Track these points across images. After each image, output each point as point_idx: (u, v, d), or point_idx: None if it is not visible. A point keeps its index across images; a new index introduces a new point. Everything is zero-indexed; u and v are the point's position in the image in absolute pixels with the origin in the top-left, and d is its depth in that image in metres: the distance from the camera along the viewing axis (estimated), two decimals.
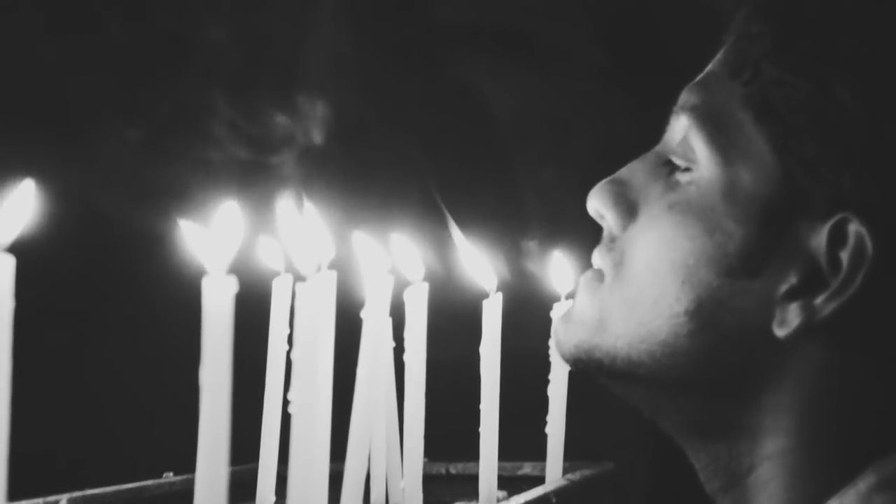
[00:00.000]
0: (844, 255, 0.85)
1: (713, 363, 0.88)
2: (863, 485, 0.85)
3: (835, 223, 0.85)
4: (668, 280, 0.88)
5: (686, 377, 0.89)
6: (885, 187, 0.84)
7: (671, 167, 0.92)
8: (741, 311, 0.87)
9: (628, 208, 0.93)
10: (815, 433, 0.87)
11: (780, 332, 0.86)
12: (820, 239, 0.85)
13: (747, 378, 0.88)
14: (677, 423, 0.92)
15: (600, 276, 0.94)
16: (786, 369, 0.87)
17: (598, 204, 0.95)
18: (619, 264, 0.92)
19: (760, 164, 0.87)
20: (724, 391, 0.89)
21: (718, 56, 0.94)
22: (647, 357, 0.89)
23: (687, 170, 0.91)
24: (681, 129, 0.92)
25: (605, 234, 0.95)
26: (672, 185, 0.91)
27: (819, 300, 0.85)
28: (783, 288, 0.86)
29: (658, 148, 0.95)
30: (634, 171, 0.94)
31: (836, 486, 0.86)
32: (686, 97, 0.92)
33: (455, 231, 1.21)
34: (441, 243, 1.40)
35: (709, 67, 0.94)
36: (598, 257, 0.95)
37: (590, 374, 0.94)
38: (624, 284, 0.91)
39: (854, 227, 0.84)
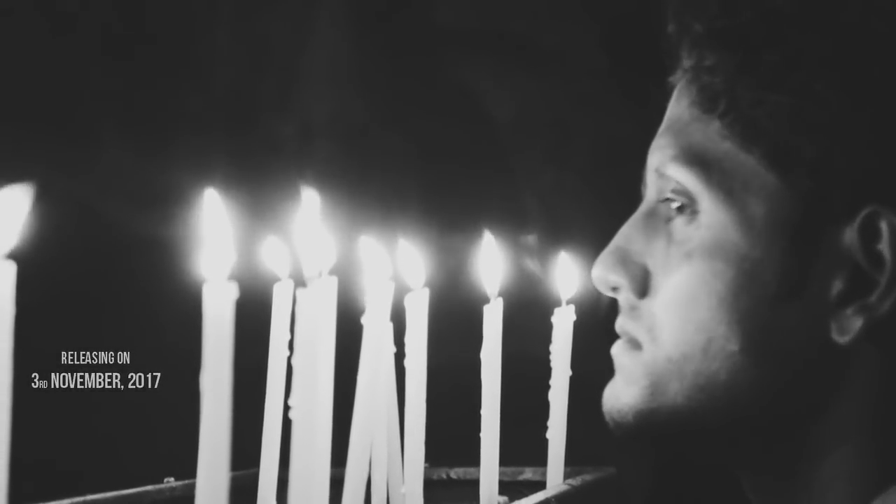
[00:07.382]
0: (884, 248, 0.84)
1: (778, 390, 0.87)
2: None
3: (863, 219, 0.84)
4: (711, 326, 0.87)
5: (750, 411, 0.88)
6: None
7: (666, 218, 0.91)
8: (793, 330, 0.86)
9: (640, 272, 0.92)
10: (873, 434, 0.87)
11: (841, 339, 0.85)
12: (853, 239, 0.85)
13: (814, 394, 0.87)
14: (749, 462, 0.91)
15: (635, 344, 0.93)
16: (848, 376, 0.86)
17: (608, 276, 0.93)
18: (652, 328, 0.91)
19: (763, 187, 0.86)
20: (792, 415, 0.88)
21: (673, 102, 0.93)
22: (708, 401, 0.88)
23: (693, 213, 0.89)
24: (666, 184, 0.91)
25: (623, 303, 0.93)
26: (679, 235, 0.90)
27: (874, 298, 0.84)
28: (832, 296, 0.85)
29: (643, 207, 0.94)
30: (630, 235, 0.93)
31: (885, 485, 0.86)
32: (660, 154, 0.91)
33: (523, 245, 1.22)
34: (442, 248, 1.39)
35: (667, 116, 0.93)
36: (626, 326, 0.93)
37: (658, 443, 0.93)
38: (666, 346, 0.90)
39: (884, 218, 0.83)
